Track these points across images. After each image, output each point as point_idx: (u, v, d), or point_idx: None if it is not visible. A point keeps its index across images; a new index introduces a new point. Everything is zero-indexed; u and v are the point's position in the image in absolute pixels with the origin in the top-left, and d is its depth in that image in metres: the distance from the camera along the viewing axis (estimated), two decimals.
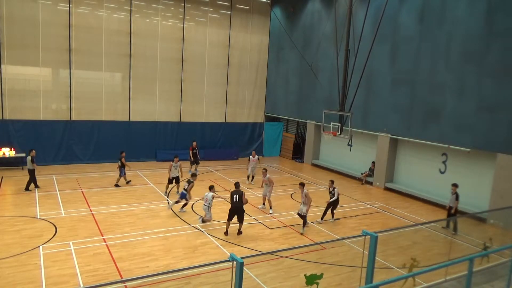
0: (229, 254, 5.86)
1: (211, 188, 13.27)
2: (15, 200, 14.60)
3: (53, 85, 20.32)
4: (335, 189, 13.87)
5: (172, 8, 22.57)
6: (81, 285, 8.74)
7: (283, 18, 24.94)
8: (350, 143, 22.06)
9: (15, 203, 14.22)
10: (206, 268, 9.12)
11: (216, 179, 19.25)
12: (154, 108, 22.76)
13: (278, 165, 23.64)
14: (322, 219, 13.81)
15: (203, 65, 23.90)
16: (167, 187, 16.19)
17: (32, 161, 15.51)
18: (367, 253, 7.14)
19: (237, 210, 12.21)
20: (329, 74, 21.12)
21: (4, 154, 18.50)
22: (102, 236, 11.56)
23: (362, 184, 19.92)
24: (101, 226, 12.31)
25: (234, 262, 5.40)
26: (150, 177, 18.80)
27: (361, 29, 15.21)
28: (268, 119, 26.92)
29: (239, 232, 12.30)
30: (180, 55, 22.99)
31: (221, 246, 11.27)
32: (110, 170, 19.32)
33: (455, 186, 13.55)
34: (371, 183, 19.71)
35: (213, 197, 13.00)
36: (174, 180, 16.12)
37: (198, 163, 20.22)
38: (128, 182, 17.22)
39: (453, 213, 13.54)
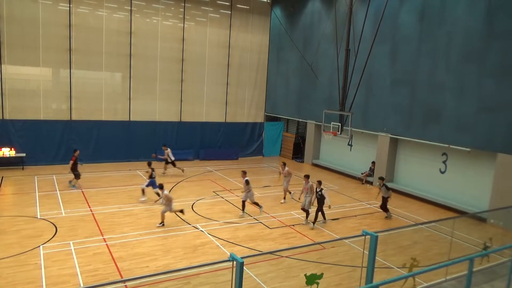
0: (229, 254, 5.86)
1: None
2: (15, 200, 14.61)
3: (53, 85, 20.31)
4: (323, 190, 13.24)
5: (172, 8, 22.56)
6: (81, 285, 8.74)
7: (283, 18, 24.93)
8: (350, 143, 22.05)
9: (15, 203, 14.22)
10: (205, 268, 9.09)
11: (216, 179, 19.25)
12: (154, 108, 22.75)
13: (278, 165, 23.57)
14: (314, 223, 13.22)
15: (203, 65, 23.89)
16: None
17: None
18: (367, 253, 7.14)
19: None
20: (329, 74, 21.11)
21: (4, 154, 18.50)
22: (102, 236, 11.56)
23: (362, 184, 19.92)
24: (101, 226, 12.31)
25: (234, 262, 5.40)
26: None
27: (361, 29, 15.20)
28: (268, 119, 26.92)
29: None
30: (180, 55, 22.99)
31: (221, 246, 11.26)
32: (110, 170, 19.31)
33: (382, 180, 14.70)
34: (371, 183, 19.71)
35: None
36: None
37: (79, 177, 16.49)
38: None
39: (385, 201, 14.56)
